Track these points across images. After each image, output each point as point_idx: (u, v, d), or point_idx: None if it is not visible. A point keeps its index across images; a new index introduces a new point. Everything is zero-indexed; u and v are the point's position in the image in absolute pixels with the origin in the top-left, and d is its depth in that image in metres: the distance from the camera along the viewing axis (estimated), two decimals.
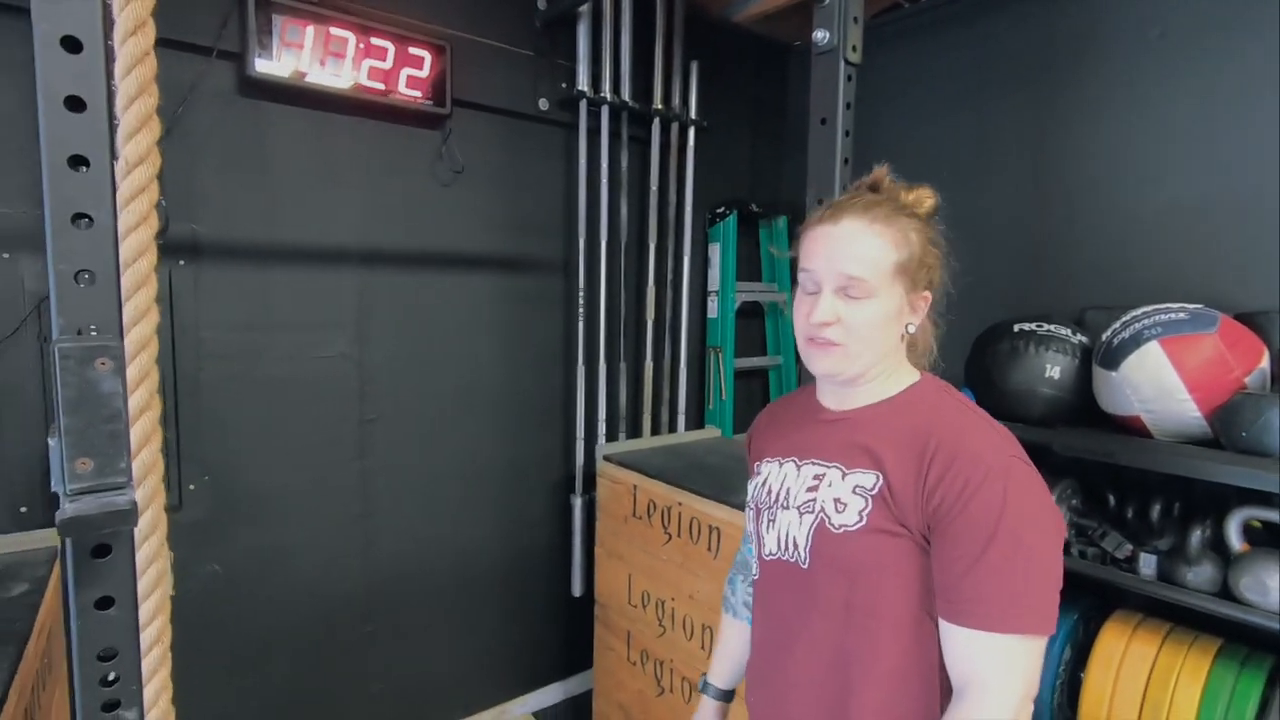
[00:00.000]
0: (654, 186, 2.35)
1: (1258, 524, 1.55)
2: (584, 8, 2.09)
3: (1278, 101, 1.69)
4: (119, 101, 0.70)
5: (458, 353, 2.06)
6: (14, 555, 1.21)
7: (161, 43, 1.53)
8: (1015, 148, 2.17)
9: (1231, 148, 1.76)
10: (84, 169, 0.59)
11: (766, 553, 0.91)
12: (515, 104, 2.06)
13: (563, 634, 2.36)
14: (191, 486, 1.67)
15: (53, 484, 0.60)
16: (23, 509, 1.46)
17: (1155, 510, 1.70)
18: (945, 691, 0.81)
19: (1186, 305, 1.63)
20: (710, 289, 2.61)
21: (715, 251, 2.58)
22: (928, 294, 0.89)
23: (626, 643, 1.99)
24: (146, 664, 0.65)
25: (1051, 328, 1.82)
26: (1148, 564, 1.62)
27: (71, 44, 0.58)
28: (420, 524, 2.04)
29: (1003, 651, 0.73)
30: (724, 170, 2.61)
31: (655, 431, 2.45)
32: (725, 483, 1.78)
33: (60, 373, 0.58)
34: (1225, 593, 1.52)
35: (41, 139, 0.58)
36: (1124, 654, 1.66)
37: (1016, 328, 1.85)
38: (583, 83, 2.11)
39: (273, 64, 1.63)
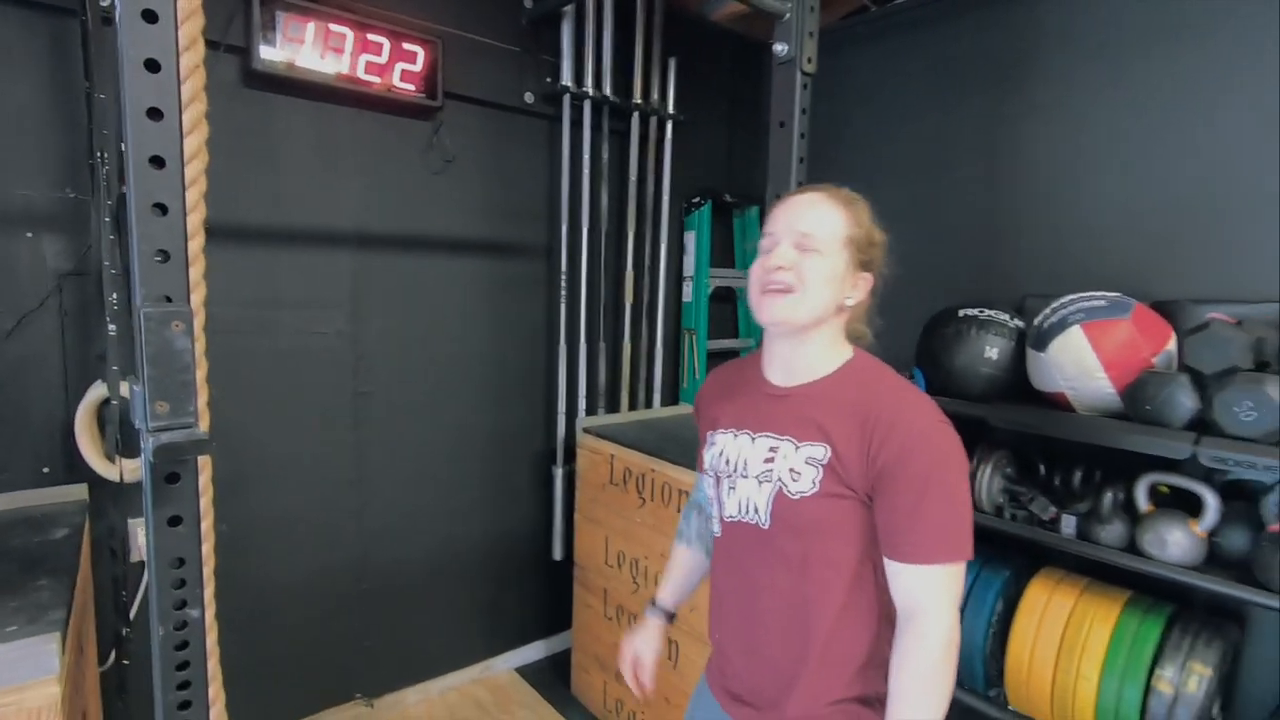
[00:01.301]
0: (633, 177, 2.49)
1: (1165, 489, 1.75)
2: (568, 7, 2.21)
3: (1205, 108, 1.86)
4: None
5: (447, 331, 2.20)
6: (48, 507, 1.34)
7: None
8: (969, 146, 2.35)
9: (1163, 150, 1.94)
10: (161, 168, 0.72)
11: (727, 515, 1.04)
12: (502, 97, 2.19)
13: (544, 595, 2.52)
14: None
15: (136, 423, 0.74)
16: (45, 469, 1.58)
17: (1077, 477, 1.90)
18: (881, 618, 0.97)
19: (1108, 294, 1.82)
20: (685, 274, 2.76)
21: (691, 239, 2.73)
22: (869, 276, 1.01)
23: (603, 600, 2.16)
24: (206, 571, 0.79)
25: (992, 313, 2.00)
26: (1068, 524, 1.82)
27: (152, 65, 0.71)
28: (411, 490, 2.18)
29: (942, 578, 0.88)
30: (701, 161, 2.75)
31: (633, 407, 2.61)
32: (694, 452, 1.94)
33: (144, 333, 0.72)
34: (1134, 549, 1.72)
35: (128, 143, 0.71)
36: (1047, 604, 1.86)
37: (961, 313, 2.03)
38: (566, 78, 2.24)
39: (276, 57, 1.74)
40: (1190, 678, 1.61)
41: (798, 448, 0.96)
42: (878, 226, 1.01)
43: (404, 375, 2.13)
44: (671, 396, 2.80)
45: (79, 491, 1.47)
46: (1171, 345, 1.72)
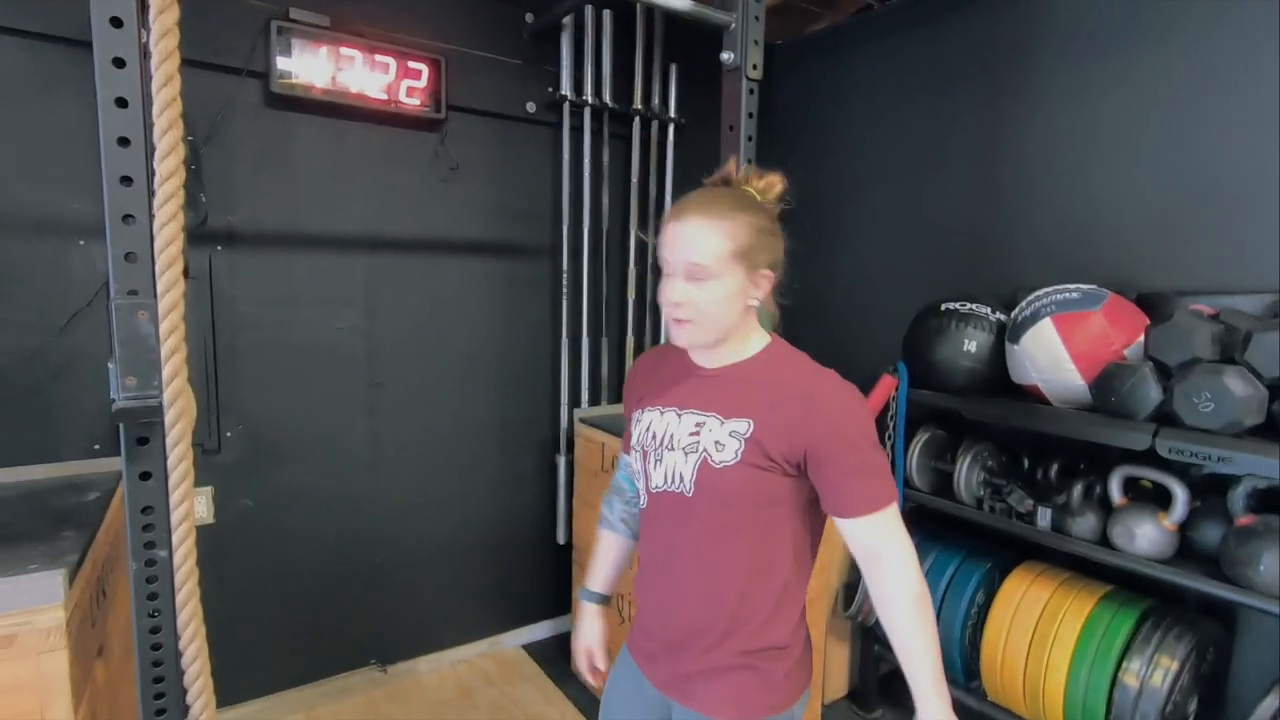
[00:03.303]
0: (635, 179, 2.60)
1: (1148, 483, 1.74)
2: (567, 19, 2.34)
3: (1200, 100, 1.83)
4: (156, 134, 1.00)
5: (455, 327, 2.37)
6: (88, 476, 1.56)
7: (201, 65, 1.87)
8: (965, 140, 2.35)
9: (1157, 142, 1.91)
10: (130, 185, 0.89)
11: (653, 486, 1.12)
12: (505, 107, 2.34)
13: (550, 578, 2.67)
14: (229, 434, 2.02)
15: (111, 393, 0.91)
16: (96, 446, 1.82)
17: (1054, 470, 1.90)
18: (788, 579, 1.07)
19: (1083, 286, 1.81)
20: None
21: None
22: (768, 272, 1.07)
23: None
24: (175, 519, 0.95)
25: (973, 307, 2.02)
26: (1044, 516, 1.83)
27: (121, 102, 0.87)
28: (422, 473, 2.36)
29: (889, 521, 1.00)
30: (706, 161, 2.80)
31: None
32: None
33: (116, 320, 0.89)
34: (1106, 542, 1.72)
35: (103, 166, 0.88)
36: (1023, 596, 1.88)
37: (943, 306, 2.05)
38: (565, 88, 2.38)
39: (292, 80, 1.94)
40: (1156, 671, 1.61)
41: (723, 422, 1.04)
42: (767, 214, 1.05)
43: (415, 367, 2.31)
44: None
45: (117, 463, 1.69)
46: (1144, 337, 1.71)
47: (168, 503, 0.94)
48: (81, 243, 1.77)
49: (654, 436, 1.13)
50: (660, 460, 1.11)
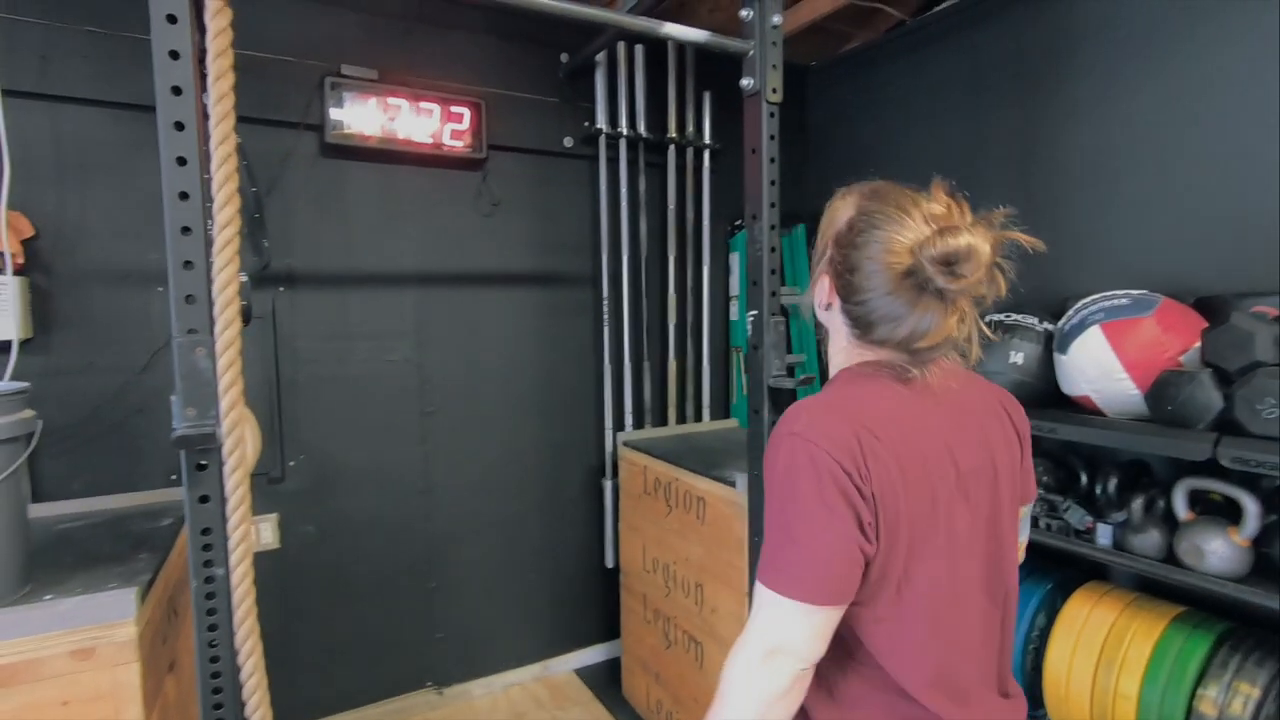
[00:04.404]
0: (672, 206, 2.65)
1: (1218, 496, 1.64)
2: (600, 56, 2.44)
3: (1245, 97, 1.76)
4: (214, 187, 1.10)
5: (501, 356, 2.46)
6: (164, 504, 1.68)
7: (263, 122, 2.02)
8: (1001, 152, 2.31)
9: (1197, 140, 1.84)
10: (189, 234, 0.98)
11: None
12: (543, 144, 2.44)
13: (600, 601, 2.69)
14: (292, 463, 2.14)
15: (173, 423, 1.00)
16: (173, 477, 1.96)
17: (1113, 484, 1.81)
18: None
19: (1132, 291, 1.75)
20: (732, 294, 2.87)
21: (735, 260, 2.84)
22: (824, 278, 0.93)
23: (643, 604, 2.29)
24: (233, 541, 1.03)
25: (1019, 317, 1.96)
26: (1104, 534, 1.75)
27: (181, 161, 0.97)
28: (473, 499, 2.43)
29: (757, 595, 0.81)
30: (741, 186, 2.86)
31: (681, 421, 2.74)
32: (715, 461, 2.05)
33: (177, 356, 0.98)
34: (1173, 560, 1.63)
35: (165, 217, 0.98)
36: (1087, 618, 1.79)
37: (988, 318, 2.00)
38: (601, 122, 2.46)
39: (344, 130, 2.08)
40: (1235, 698, 1.50)
41: None
42: (844, 221, 0.89)
43: (464, 396, 2.40)
44: (723, 411, 2.89)
45: None
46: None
47: (225, 524, 1.02)
48: (160, 289, 1.93)
49: None
50: None
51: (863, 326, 0.87)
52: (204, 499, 1.01)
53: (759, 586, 0.80)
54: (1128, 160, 2.00)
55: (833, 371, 0.94)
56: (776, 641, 0.78)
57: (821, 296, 0.92)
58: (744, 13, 1.49)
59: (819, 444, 0.78)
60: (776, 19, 1.46)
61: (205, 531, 1.01)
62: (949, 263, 0.78)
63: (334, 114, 2.06)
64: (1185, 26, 1.86)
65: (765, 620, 0.79)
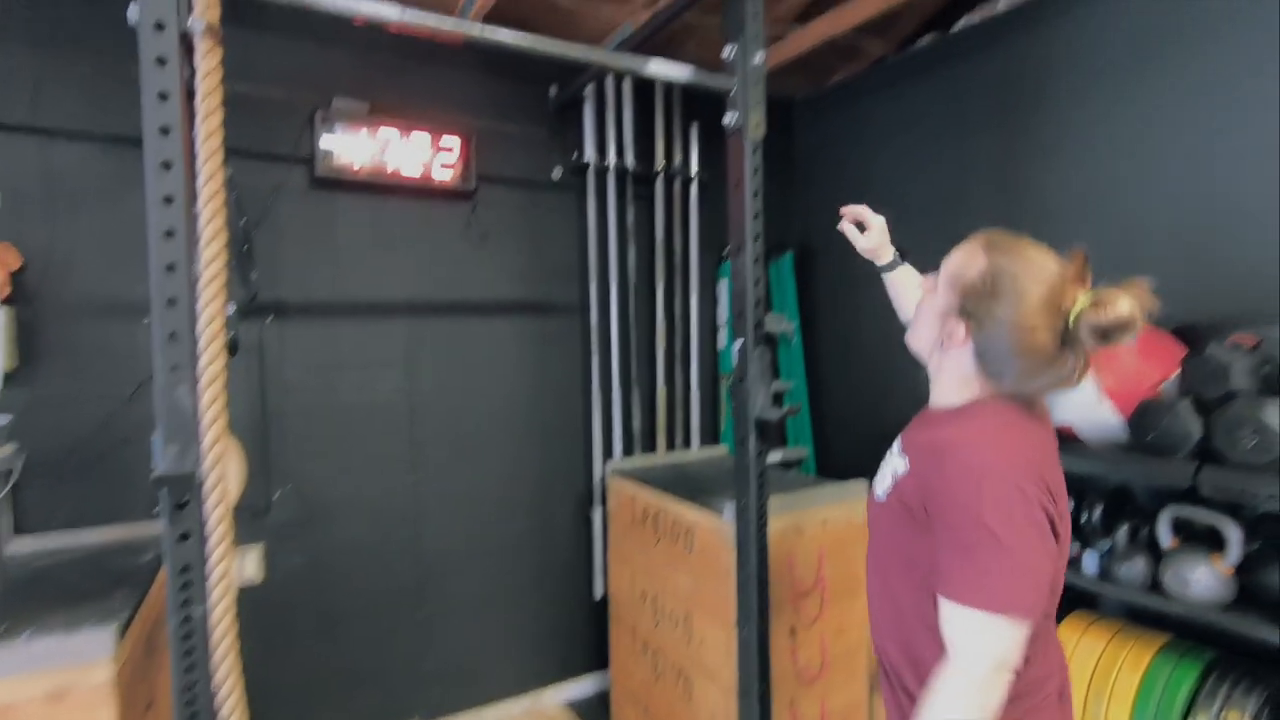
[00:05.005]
0: (660, 235, 2.68)
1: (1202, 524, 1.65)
2: (589, 89, 2.48)
3: (1212, 124, 1.81)
4: (200, 227, 1.11)
5: (491, 384, 2.46)
6: (144, 539, 1.67)
7: (253, 155, 2.03)
8: (984, 181, 2.35)
9: (1175, 171, 1.89)
10: (174, 272, 0.99)
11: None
12: (532, 175, 2.47)
13: (590, 632, 2.65)
14: (278, 494, 2.13)
15: (154, 460, 1.00)
16: (156, 510, 1.94)
17: (1098, 512, 1.82)
18: (934, 647, 0.91)
19: None
20: (719, 322, 2.89)
21: (723, 288, 2.87)
22: (964, 322, 0.97)
23: (632, 635, 2.27)
24: (213, 579, 1.02)
25: None
26: (1090, 562, 1.75)
27: (168, 200, 0.98)
28: (461, 530, 2.42)
29: (964, 622, 0.85)
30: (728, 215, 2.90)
31: (671, 448, 2.74)
32: (704, 489, 2.05)
33: (159, 394, 0.98)
34: (1158, 588, 1.63)
35: (150, 255, 0.99)
36: (1074, 648, 1.79)
37: None
38: (589, 154, 2.49)
39: (334, 163, 2.10)
40: None
41: (897, 455, 1.03)
42: (975, 273, 0.94)
43: (454, 424, 2.40)
44: (712, 437, 2.90)
45: None
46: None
47: (204, 562, 1.01)
48: (146, 321, 1.92)
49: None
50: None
51: (994, 374, 0.95)
52: (184, 536, 1.01)
53: (965, 611, 0.85)
54: (1106, 188, 2.04)
55: (944, 397, 1.01)
56: (999, 658, 0.84)
57: (945, 338, 0.98)
58: (726, 52, 1.52)
59: (1023, 474, 0.86)
60: (758, 59, 1.50)
61: (184, 570, 1.00)
62: (1107, 333, 0.86)
63: (324, 147, 2.08)
64: (1158, 58, 1.91)
65: (986, 642, 0.84)
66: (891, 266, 1.40)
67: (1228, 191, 1.79)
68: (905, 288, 1.38)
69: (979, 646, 0.85)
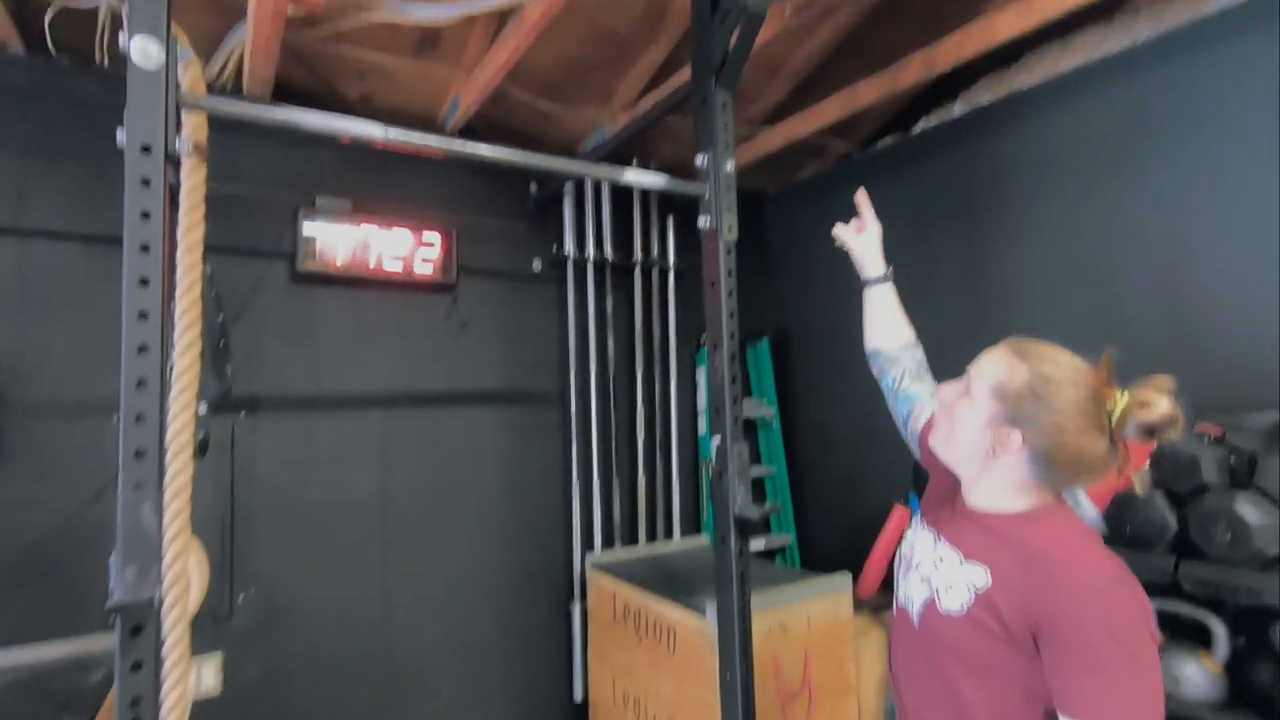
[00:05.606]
0: (639, 324, 2.72)
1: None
2: (568, 185, 2.57)
3: (1170, 215, 1.91)
4: (175, 337, 1.11)
5: (468, 476, 2.41)
6: (95, 655, 1.58)
7: (234, 251, 2.04)
8: (949, 272, 2.44)
9: (1134, 262, 1.97)
10: (144, 387, 0.98)
11: (899, 596, 1.10)
12: (512, 267, 2.52)
13: None
14: (241, 598, 2.03)
15: (111, 585, 0.95)
16: (111, 621, 1.84)
17: None
18: None
19: None
20: (700, 408, 2.90)
21: (702, 374, 2.89)
22: (1016, 432, 0.97)
23: None
24: (165, 708, 0.96)
25: None
26: None
27: (143, 315, 0.98)
28: (434, 631, 2.31)
29: None
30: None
31: (652, 538, 2.68)
32: (686, 585, 2.00)
33: (121, 513, 0.94)
34: None
35: (122, 368, 0.97)
36: None
37: None
38: (569, 247, 2.56)
39: (316, 258, 2.13)
40: None
41: (962, 563, 0.99)
42: (1019, 381, 0.96)
43: (428, 519, 2.33)
44: (694, 526, 2.85)
45: None
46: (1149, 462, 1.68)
47: (157, 695, 0.95)
48: (114, 419, 1.89)
49: (910, 548, 1.12)
50: (905, 576, 1.10)
51: (1049, 479, 0.97)
52: (137, 666, 0.95)
53: None
54: (1072, 280, 2.12)
55: (994, 501, 1.01)
56: None
57: (997, 446, 0.98)
58: (699, 161, 1.59)
59: (1136, 585, 0.89)
60: (729, 167, 1.57)
61: (135, 703, 0.94)
62: (1154, 430, 0.92)
63: (306, 244, 2.11)
64: (1104, 158, 2.03)
65: None
66: (881, 281, 1.44)
67: (1196, 281, 1.86)
68: (884, 309, 1.43)
69: None
